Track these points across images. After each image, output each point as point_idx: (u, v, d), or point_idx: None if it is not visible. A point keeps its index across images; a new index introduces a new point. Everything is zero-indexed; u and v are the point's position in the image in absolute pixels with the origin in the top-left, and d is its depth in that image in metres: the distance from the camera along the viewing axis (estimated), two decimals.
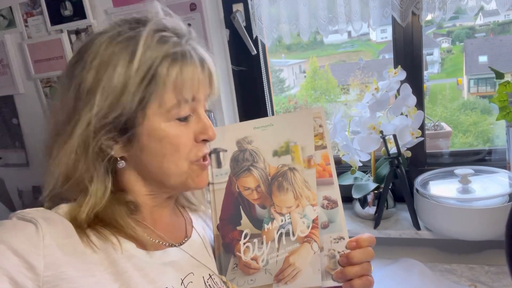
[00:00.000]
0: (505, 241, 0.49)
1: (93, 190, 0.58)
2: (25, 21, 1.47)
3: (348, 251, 0.62)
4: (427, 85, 2.09)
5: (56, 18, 1.41)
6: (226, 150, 0.69)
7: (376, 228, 1.18)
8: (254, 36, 1.29)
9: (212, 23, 1.30)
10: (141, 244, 0.60)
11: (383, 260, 1.17)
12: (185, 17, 1.27)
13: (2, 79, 1.58)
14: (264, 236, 0.65)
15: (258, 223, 0.66)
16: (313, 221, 0.64)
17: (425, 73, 2.09)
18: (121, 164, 0.60)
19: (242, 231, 0.66)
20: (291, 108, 2.25)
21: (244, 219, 0.66)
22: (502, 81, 0.91)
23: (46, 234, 0.51)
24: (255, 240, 0.65)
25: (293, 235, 0.64)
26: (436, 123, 1.48)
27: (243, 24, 1.29)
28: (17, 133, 1.65)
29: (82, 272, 0.51)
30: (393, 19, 1.19)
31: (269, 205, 0.66)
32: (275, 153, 0.67)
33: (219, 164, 0.68)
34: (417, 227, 1.14)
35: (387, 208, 1.22)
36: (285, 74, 2.37)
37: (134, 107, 0.56)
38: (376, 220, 1.18)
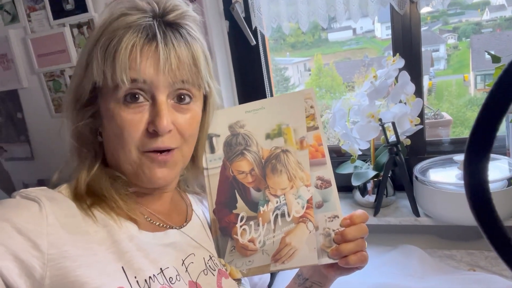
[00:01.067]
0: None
1: (84, 162, 0.61)
2: (28, 15, 1.49)
3: (343, 228, 0.63)
4: (433, 81, 2.09)
5: (58, 12, 1.43)
6: (219, 135, 0.70)
7: (376, 216, 1.19)
8: (253, 27, 1.30)
9: (211, 14, 1.31)
10: (142, 226, 0.61)
11: (383, 247, 1.18)
12: None
13: (6, 73, 1.61)
14: (260, 218, 0.66)
15: (253, 205, 0.67)
16: (308, 201, 0.65)
17: (431, 69, 2.09)
18: (100, 138, 0.62)
19: (238, 214, 0.67)
20: None
21: (240, 203, 0.68)
22: (499, 65, 0.92)
23: (49, 213, 0.52)
24: (252, 223, 0.66)
25: (289, 215, 0.65)
26: (437, 112, 1.49)
27: (242, 15, 1.30)
28: (22, 127, 1.67)
29: (85, 251, 0.52)
30: (391, 8, 1.19)
31: (264, 188, 0.67)
32: (268, 136, 0.68)
33: (212, 149, 0.70)
34: (417, 214, 1.14)
35: (386, 196, 1.22)
36: (289, 72, 2.37)
37: (90, 83, 0.58)
38: (376, 208, 1.19)
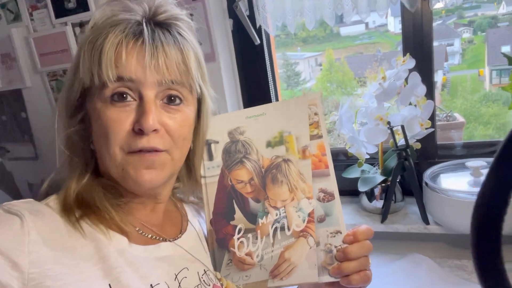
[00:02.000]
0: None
1: (75, 171, 0.59)
2: (31, 14, 1.47)
3: (346, 245, 0.59)
4: (447, 76, 2.04)
5: (60, 11, 1.41)
6: (217, 142, 0.66)
7: (383, 223, 1.14)
8: (257, 26, 1.26)
9: (215, 12, 1.27)
10: (133, 239, 0.58)
11: (390, 255, 1.14)
12: (187, 6, 1.24)
13: (10, 73, 1.60)
14: (259, 231, 0.63)
15: (252, 217, 0.64)
16: (309, 214, 0.61)
17: (445, 64, 2.03)
18: (92, 146, 0.60)
19: (235, 226, 0.64)
20: None
21: (238, 214, 0.64)
22: None
23: (31, 229, 0.49)
24: (250, 235, 0.63)
25: (289, 229, 0.62)
26: (449, 114, 1.43)
27: (246, 13, 1.26)
28: (26, 127, 1.66)
29: (69, 269, 0.50)
30: (402, 5, 1.14)
31: (263, 199, 0.63)
32: (269, 144, 0.65)
33: (210, 157, 0.66)
34: (426, 221, 1.10)
35: (395, 202, 1.18)
36: (300, 67, 2.35)
37: (80, 85, 0.56)
38: (383, 214, 1.15)
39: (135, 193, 0.60)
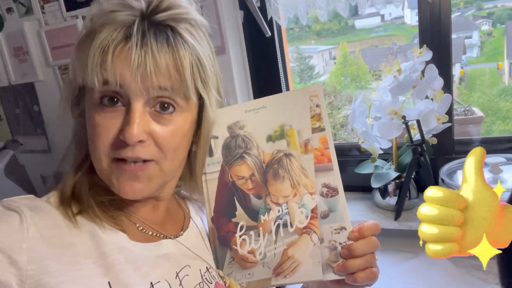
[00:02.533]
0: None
1: (75, 163, 0.58)
2: (42, 7, 1.47)
3: (350, 242, 0.57)
4: (465, 70, 1.98)
5: (71, 4, 1.41)
6: (217, 137, 0.64)
7: (397, 220, 1.11)
8: (269, 17, 1.23)
9: (225, 4, 1.25)
10: (134, 236, 0.57)
11: (403, 253, 1.10)
12: None
13: (22, 66, 1.61)
14: (261, 228, 0.61)
15: (254, 214, 0.61)
16: (312, 210, 0.59)
17: (463, 57, 1.98)
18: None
19: (237, 223, 0.62)
20: None
21: (239, 211, 0.62)
22: None
23: (30, 225, 0.49)
24: (252, 233, 0.61)
25: (291, 226, 0.59)
26: (467, 108, 1.38)
27: (257, 4, 1.23)
28: (38, 120, 1.67)
29: (68, 266, 0.49)
30: None
31: (265, 195, 0.61)
32: (269, 138, 0.62)
33: (210, 153, 0.64)
34: None
35: (409, 199, 1.14)
36: (314, 60, 2.32)
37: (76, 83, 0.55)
38: (397, 211, 1.11)
39: None
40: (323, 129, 0.60)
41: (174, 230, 0.64)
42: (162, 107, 0.53)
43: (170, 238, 0.61)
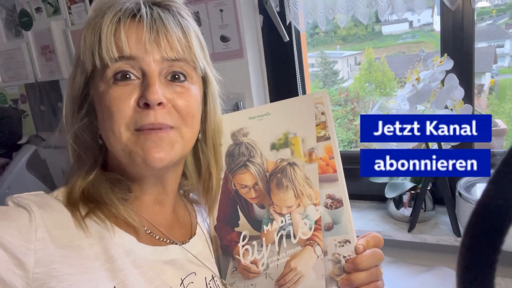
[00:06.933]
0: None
1: (82, 168, 0.57)
2: (69, 8, 1.52)
3: (355, 255, 0.56)
4: (496, 79, 1.91)
5: None
6: (220, 144, 0.64)
7: (411, 232, 1.08)
8: (287, 22, 1.23)
9: (244, 8, 1.25)
10: (142, 238, 0.57)
11: (416, 266, 1.08)
12: (217, 2, 1.24)
13: (49, 64, 1.66)
14: (264, 238, 0.60)
15: (257, 224, 0.61)
16: (316, 222, 0.58)
17: (494, 66, 1.92)
18: (100, 141, 0.58)
19: (240, 233, 0.61)
20: (341, 101, 2.15)
21: (242, 220, 0.62)
22: None
23: (39, 225, 0.48)
24: (254, 243, 0.60)
25: (295, 237, 0.59)
26: None
27: (276, 9, 1.23)
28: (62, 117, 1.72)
29: (75, 268, 0.48)
30: (441, 2, 1.07)
31: (268, 205, 0.60)
32: (273, 146, 0.61)
33: None
34: (458, 233, 1.03)
35: (424, 211, 1.11)
36: (339, 66, 2.29)
37: (83, 74, 0.55)
38: (411, 223, 1.09)
39: (142, 180, 0.58)
40: (328, 138, 0.59)
41: (181, 235, 0.64)
42: (173, 77, 0.55)
43: (177, 244, 0.61)
